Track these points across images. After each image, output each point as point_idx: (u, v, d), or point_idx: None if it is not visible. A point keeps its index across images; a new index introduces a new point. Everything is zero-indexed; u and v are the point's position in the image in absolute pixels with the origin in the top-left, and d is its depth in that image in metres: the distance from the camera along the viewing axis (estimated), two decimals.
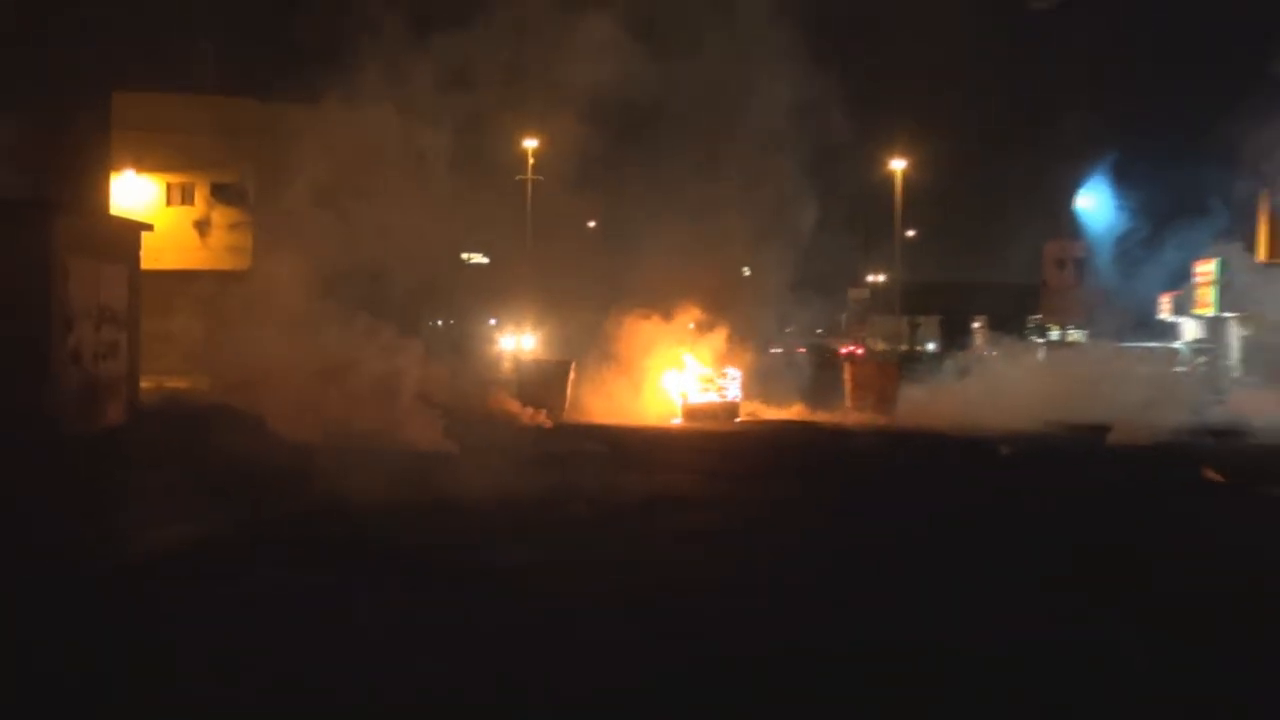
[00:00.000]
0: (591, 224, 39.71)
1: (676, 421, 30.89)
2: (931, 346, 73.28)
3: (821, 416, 31.87)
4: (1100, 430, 27.12)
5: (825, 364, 40.13)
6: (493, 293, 44.31)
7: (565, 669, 8.90)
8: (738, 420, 31.19)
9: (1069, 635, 10.04)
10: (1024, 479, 21.18)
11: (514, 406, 28.26)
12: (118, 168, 44.81)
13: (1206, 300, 48.21)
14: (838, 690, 8.64)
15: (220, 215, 47.68)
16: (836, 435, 28.21)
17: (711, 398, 31.65)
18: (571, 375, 30.41)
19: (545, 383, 29.62)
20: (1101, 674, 9.04)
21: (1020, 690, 8.66)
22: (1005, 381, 33.30)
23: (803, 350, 54.91)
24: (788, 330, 43.46)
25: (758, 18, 31.26)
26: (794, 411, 32.61)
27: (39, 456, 11.42)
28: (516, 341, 41.93)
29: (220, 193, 47.64)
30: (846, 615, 10.77)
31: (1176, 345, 46.72)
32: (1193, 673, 9.26)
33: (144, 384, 16.90)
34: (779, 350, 38.54)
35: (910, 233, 75.90)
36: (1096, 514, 16.93)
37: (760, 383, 33.16)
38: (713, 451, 24.44)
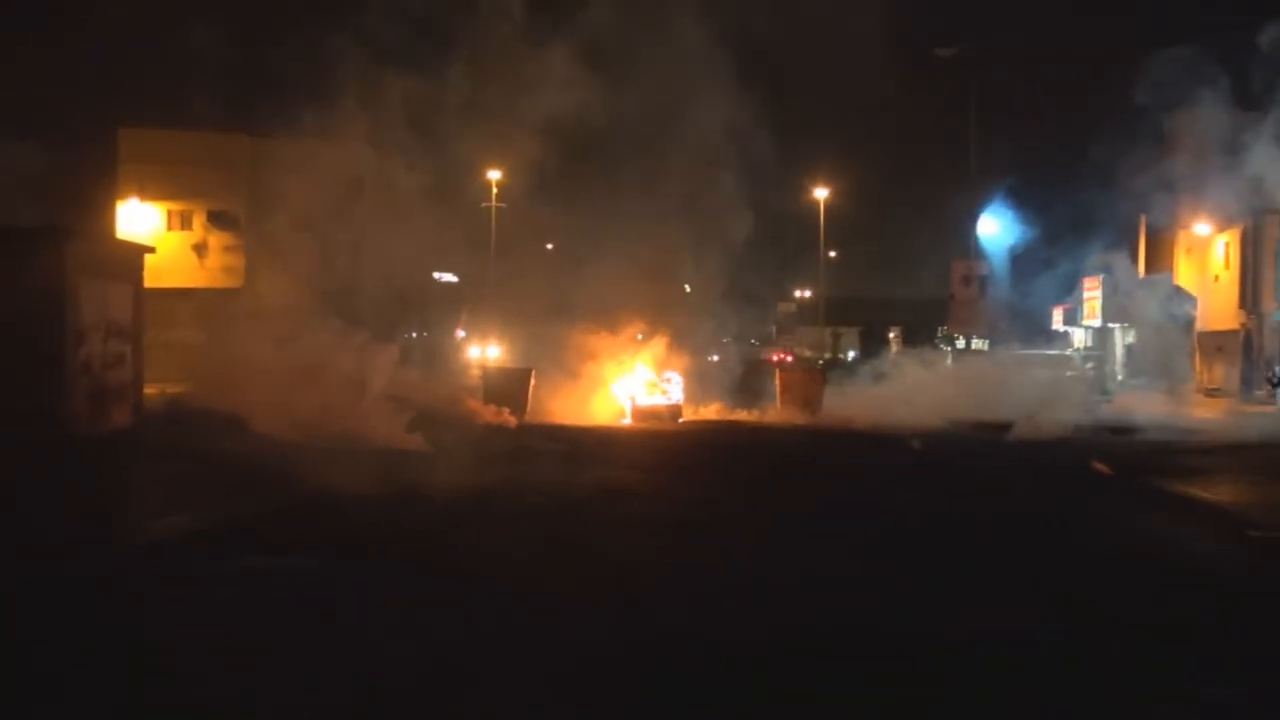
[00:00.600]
0: (549, 246, 39.72)
1: (626, 422, 30.93)
2: (852, 354, 73.58)
3: (751, 416, 32.02)
4: (1002, 428, 27.33)
5: (754, 370, 40.18)
6: (461, 307, 44.21)
7: (557, 664, 8.39)
8: (680, 420, 31.25)
9: (1055, 632, 9.44)
10: (947, 478, 20.81)
11: (481, 408, 28.22)
12: (123, 197, 44.69)
13: (1093, 311, 48.77)
14: (837, 688, 8.04)
15: (216, 239, 47.66)
16: (770, 433, 28.37)
17: (657, 400, 31.71)
18: (532, 381, 30.33)
19: (509, 387, 29.52)
20: (1083, 673, 8.37)
21: (1022, 690, 8.01)
22: (917, 385, 33.52)
23: (775, 359, 55.02)
24: (725, 340, 43.55)
25: (701, 56, 31.31)
26: (714, 410, 32.73)
27: (55, 455, 11.36)
28: (482, 351, 41.80)
29: (216, 219, 47.62)
30: (799, 587, 10.81)
31: (1069, 352, 47.08)
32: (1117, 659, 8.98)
33: (148, 390, 16.78)
34: (716, 357, 38.64)
35: (832, 253, 76.78)
36: (1027, 506, 17.03)
37: (699, 386, 33.22)
38: (662, 450, 24.51)
